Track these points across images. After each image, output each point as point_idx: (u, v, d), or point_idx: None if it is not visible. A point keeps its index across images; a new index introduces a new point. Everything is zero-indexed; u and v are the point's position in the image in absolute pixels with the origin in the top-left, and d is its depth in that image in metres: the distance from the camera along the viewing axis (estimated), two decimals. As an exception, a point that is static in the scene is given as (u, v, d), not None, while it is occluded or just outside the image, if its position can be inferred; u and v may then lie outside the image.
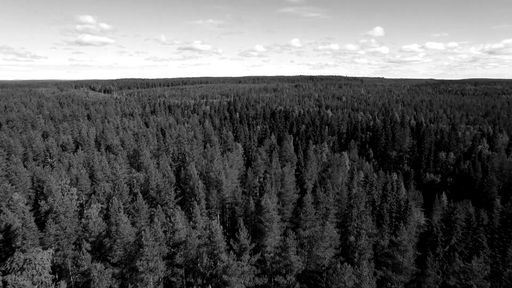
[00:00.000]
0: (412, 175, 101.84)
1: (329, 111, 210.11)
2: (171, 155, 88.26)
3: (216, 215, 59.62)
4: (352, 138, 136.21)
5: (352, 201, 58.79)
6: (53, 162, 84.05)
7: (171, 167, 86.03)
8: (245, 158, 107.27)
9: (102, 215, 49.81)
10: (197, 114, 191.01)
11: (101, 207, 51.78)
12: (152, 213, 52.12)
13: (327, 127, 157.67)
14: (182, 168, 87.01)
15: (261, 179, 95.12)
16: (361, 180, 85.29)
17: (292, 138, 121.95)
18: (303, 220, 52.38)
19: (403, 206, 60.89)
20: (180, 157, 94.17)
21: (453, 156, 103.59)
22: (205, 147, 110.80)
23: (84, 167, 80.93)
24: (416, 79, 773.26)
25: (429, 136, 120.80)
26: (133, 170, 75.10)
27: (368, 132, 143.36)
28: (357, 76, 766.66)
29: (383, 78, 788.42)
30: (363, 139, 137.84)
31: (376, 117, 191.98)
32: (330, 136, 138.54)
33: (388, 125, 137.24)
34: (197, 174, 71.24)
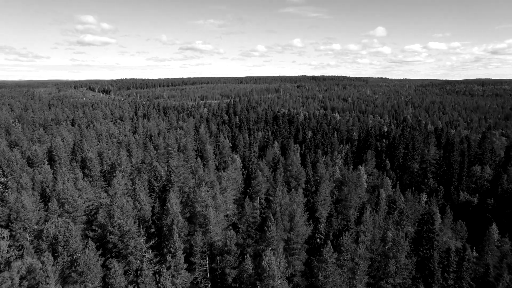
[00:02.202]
0: (441, 193, 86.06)
1: (336, 115, 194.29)
2: (154, 173, 72.70)
3: (201, 265, 44.00)
4: (365, 147, 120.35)
5: (386, 247, 43.11)
6: (7, 181, 68.62)
7: (153, 189, 70.51)
8: (244, 172, 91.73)
9: (29, 278, 34.29)
10: (193, 117, 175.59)
11: (32, 263, 36.20)
12: (107, 271, 36.60)
13: (335, 133, 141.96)
14: (168, 190, 71.58)
15: (262, 200, 79.79)
16: (385, 204, 69.41)
17: (299, 147, 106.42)
18: (321, 281, 36.87)
19: (454, 252, 45.08)
20: (167, 174, 78.69)
21: (489, 171, 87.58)
22: (197, 159, 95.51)
23: (46, 189, 65.71)
24: (418, 79, 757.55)
25: (455, 145, 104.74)
26: (103, 195, 59.50)
27: (383, 140, 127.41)
28: (359, 76, 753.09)
29: (386, 78, 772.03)
30: (379, 148, 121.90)
31: (391, 122, 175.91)
32: (341, 145, 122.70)
33: (407, 132, 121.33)
34: (180, 204, 55.74)
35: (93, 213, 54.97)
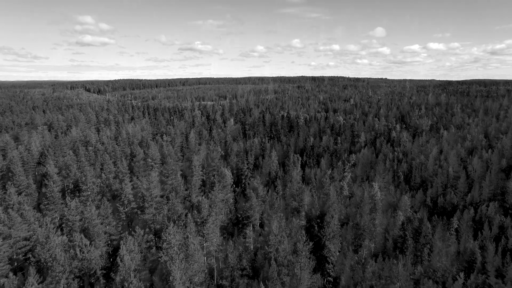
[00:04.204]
0: (471, 215, 72.29)
1: (340, 117, 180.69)
2: (119, 197, 58.82)
3: None
4: (375, 156, 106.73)
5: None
6: None
7: (121, 216, 56.72)
8: (236, 189, 78.07)
9: None
10: (185, 121, 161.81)
11: None
12: None
13: (339, 138, 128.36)
14: (138, 216, 57.91)
15: (256, 227, 66.19)
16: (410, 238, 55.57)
17: (299, 158, 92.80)
18: None
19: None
20: (141, 196, 64.58)
21: (525, 187, 73.96)
22: (178, 175, 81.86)
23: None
24: (418, 79, 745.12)
25: (481, 156, 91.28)
26: (38, 231, 45.23)
27: (394, 148, 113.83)
28: (358, 76, 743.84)
29: (386, 78, 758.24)
30: (389, 157, 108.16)
31: (401, 127, 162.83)
32: (347, 154, 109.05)
33: (420, 139, 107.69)
34: (154, 236, 42.11)
35: (28, 257, 41.16)
